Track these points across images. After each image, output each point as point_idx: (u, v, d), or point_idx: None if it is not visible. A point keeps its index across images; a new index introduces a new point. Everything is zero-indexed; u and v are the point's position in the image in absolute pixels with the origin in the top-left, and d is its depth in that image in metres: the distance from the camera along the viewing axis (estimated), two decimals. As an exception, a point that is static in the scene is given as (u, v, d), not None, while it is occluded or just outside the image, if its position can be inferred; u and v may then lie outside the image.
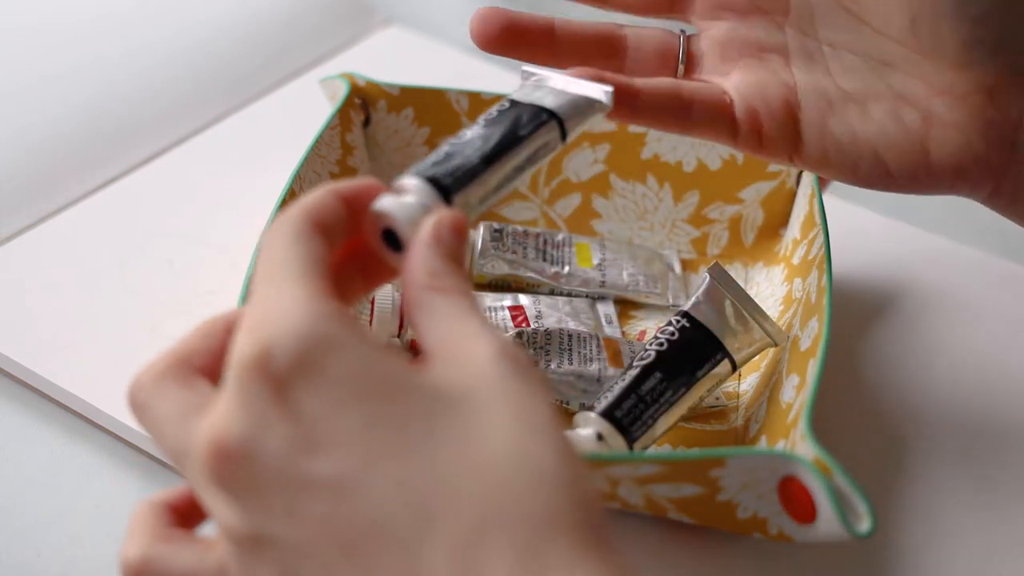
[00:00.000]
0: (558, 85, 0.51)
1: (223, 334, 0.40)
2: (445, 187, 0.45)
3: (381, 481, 0.35)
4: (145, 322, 0.62)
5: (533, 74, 0.52)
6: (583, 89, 0.51)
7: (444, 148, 0.47)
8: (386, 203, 0.43)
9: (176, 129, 0.75)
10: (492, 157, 0.47)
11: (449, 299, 0.39)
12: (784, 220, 0.67)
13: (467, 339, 0.38)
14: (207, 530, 0.40)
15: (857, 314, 0.65)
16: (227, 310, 0.42)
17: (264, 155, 0.72)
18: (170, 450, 0.38)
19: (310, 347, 0.35)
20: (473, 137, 0.48)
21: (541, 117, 0.49)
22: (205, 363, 0.40)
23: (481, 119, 0.49)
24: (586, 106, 0.51)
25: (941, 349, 0.64)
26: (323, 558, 0.35)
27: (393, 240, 0.44)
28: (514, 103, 0.50)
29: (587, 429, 0.54)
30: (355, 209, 0.42)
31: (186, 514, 0.41)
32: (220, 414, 0.36)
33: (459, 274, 0.40)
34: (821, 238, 0.58)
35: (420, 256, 0.40)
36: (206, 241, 0.67)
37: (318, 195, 0.41)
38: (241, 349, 0.36)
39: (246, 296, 0.54)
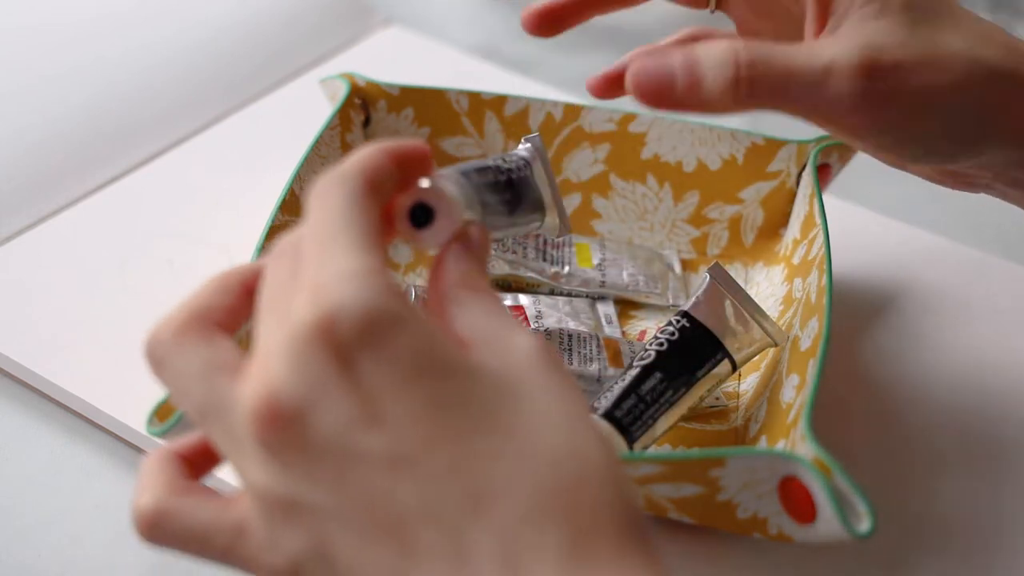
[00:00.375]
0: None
1: (239, 290, 0.40)
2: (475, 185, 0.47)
3: (437, 462, 0.35)
4: (145, 322, 0.61)
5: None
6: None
7: (491, 163, 0.49)
8: (446, 184, 0.43)
9: (176, 129, 0.75)
10: (516, 211, 0.50)
11: (482, 297, 0.39)
12: (784, 220, 0.67)
13: (505, 333, 0.38)
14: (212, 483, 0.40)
15: (857, 314, 0.65)
16: (240, 265, 0.41)
17: (264, 155, 0.72)
18: (195, 406, 0.38)
19: (377, 320, 0.35)
20: (511, 180, 0.50)
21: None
22: (222, 319, 0.40)
23: (515, 165, 0.51)
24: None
25: (941, 349, 0.64)
26: (363, 532, 0.35)
27: (419, 217, 0.43)
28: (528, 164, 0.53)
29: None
30: (402, 170, 0.41)
31: (196, 466, 0.41)
32: (273, 376, 0.35)
33: (487, 279, 0.41)
34: (821, 238, 0.58)
35: (456, 256, 0.40)
36: (206, 241, 0.67)
37: (374, 154, 0.40)
38: (301, 313, 0.35)
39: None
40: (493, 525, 0.34)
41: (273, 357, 0.36)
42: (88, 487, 0.55)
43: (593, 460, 0.35)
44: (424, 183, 0.43)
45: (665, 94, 0.47)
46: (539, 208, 0.53)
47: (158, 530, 0.38)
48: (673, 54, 0.47)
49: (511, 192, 0.50)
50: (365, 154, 0.40)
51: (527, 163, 0.52)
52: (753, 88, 0.47)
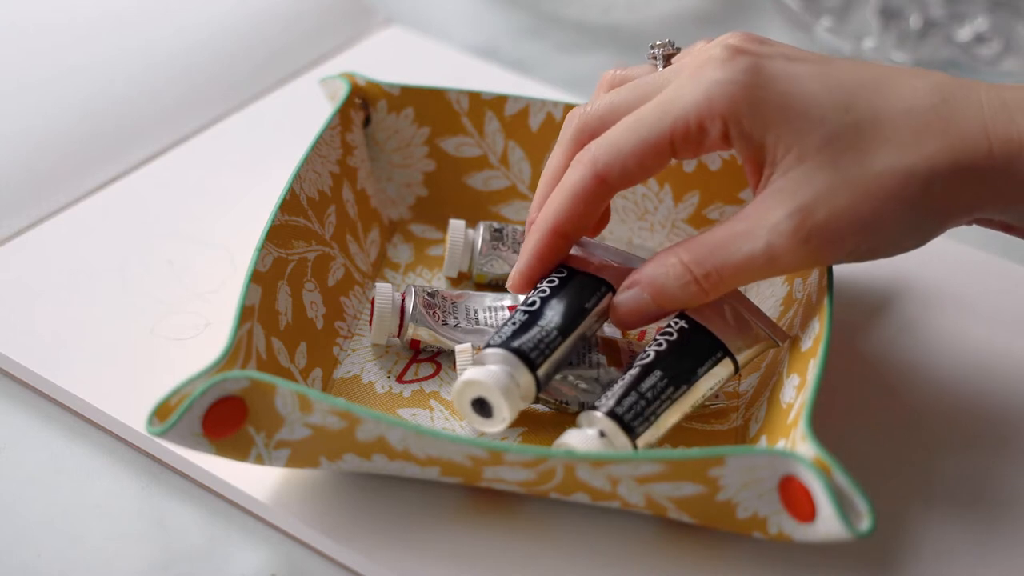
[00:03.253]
0: (607, 258, 0.58)
1: None
2: (531, 360, 0.53)
3: None
4: (145, 322, 0.62)
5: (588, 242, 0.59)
6: (628, 261, 0.58)
7: (519, 316, 0.55)
8: (476, 373, 0.51)
9: (176, 129, 0.75)
10: (566, 330, 0.55)
11: None
12: (784, 220, 0.67)
13: None
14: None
15: (857, 314, 0.65)
16: None
17: (264, 155, 0.72)
18: None
19: None
20: (543, 307, 0.55)
21: (601, 289, 0.56)
22: None
23: (545, 286, 0.56)
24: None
25: (941, 349, 0.64)
26: None
27: (483, 407, 0.52)
28: (571, 272, 0.57)
29: (591, 428, 0.54)
30: None
31: None
32: None
33: None
34: (821, 238, 0.58)
35: None
36: (206, 241, 0.67)
37: None
38: None
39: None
40: None
41: None
42: (88, 487, 0.55)
43: None
44: (462, 379, 0.50)
45: (647, 316, 0.55)
46: (600, 286, 0.56)
47: None
48: (635, 290, 0.55)
49: (552, 312, 0.55)
50: None
51: (566, 268, 0.57)
52: (715, 286, 0.53)
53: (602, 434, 0.53)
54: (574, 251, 0.58)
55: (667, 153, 0.53)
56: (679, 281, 0.53)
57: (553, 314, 0.54)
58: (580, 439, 0.53)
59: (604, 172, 0.54)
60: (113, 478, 0.56)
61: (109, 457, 0.57)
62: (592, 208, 0.55)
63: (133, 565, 0.53)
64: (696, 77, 0.53)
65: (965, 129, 0.51)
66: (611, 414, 0.54)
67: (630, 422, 0.53)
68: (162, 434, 0.48)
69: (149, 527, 0.54)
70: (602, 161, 0.54)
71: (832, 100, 0.51)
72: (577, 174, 0.55)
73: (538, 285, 0.57)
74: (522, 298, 0.63)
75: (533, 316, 0.54)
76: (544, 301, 0.55)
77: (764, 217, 0.51)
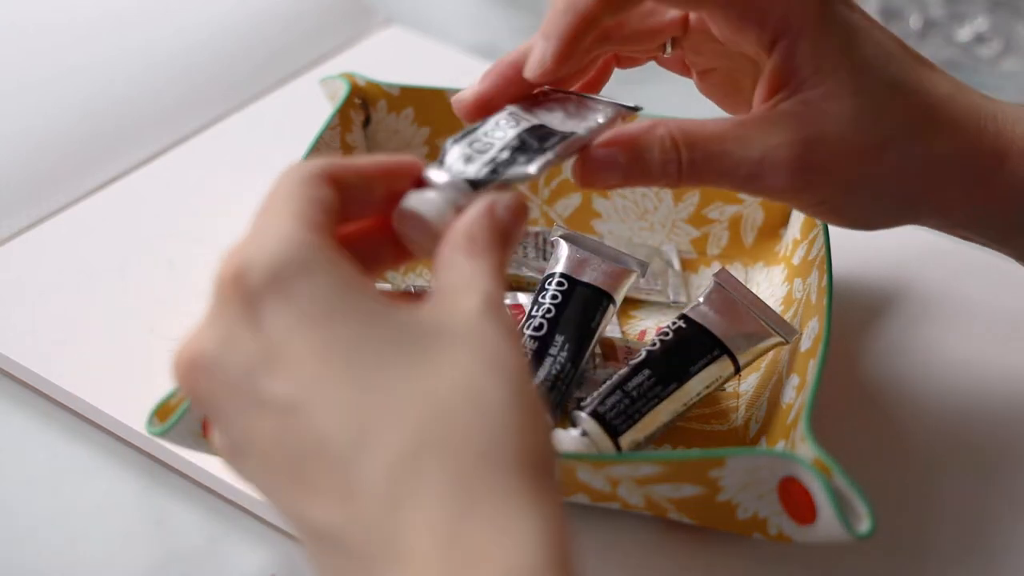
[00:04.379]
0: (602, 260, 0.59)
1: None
2: (548, 400, 0.52)
3: (324, 399, 0.36)
4: (145, 322, 0.62)
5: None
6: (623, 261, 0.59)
7: (528, 344, 0.55)
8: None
9: (176, 129, 0.75)
10: (577, 357, 0.55)
11: (473, 260, 0.39)
12: (784, 220, 0.67)
13: (464, 289, 0.39)
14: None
15: (857, 314, 0.65)
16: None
17: (264, 155, 0.72)
18: None
19: (282, 268, 0.37)
20: (553, 332, 0.55)
21: (603, 303, 0.57)
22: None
23: (549, 304, 0.56)
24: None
25: (941, 349, 0.64)
26: (273, 475, 0.37)
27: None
28: (572, 283, 0.57)
29: (575, 428, 0.54)
30: (389, 181, 0.43)
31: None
32: (199, 325, 0.38)
33: (496, 250, 0.40)
34: (821, 238, 0.59)
35: (466, 220, 0.41)
36: (206, 241, 0.67)
37: (340, 159, 0.42)
38: (221, 266, 0.38)
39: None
40: (379, 460, 0.35)
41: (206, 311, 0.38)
42: (88, 487, 0.55)
43: (492, 404, 0.36)
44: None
45: (612, 179, 0.49)
46: (596, 302, 0.57)
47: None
48: (613, 149, 0.49)
49: (557, 330, 0.55)
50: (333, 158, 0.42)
51: (567, 280, 0.57)
52: (692, 177, 0.49)
53: (584, 433, 0.54)
54: (571, 254, 0.58)
55: None
56: (663, 156, 0.49)
57: (563, 339, 0.55)
58: (564, 439, 0.53)
59: None
60: (113, 478, 0.56)
61: (109, 457, 0.57)
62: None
63: (133, 565, 0.53)
64: None
65: (963, 127, 0.51)
66: (593, 414, 0.54)
67: (611, 420, 0.54)
68: (162, 434, 0.48)
69: (149, 527, 0.54)
70: None
71: (873, 53, 0.51)
72: None
73: (540, 301, 0.56)
74: (523, 298, 0.63)
75: (543, 344, 0.55)
76: (551, 324, 0.55)
77: (768, 132, 0.50)
